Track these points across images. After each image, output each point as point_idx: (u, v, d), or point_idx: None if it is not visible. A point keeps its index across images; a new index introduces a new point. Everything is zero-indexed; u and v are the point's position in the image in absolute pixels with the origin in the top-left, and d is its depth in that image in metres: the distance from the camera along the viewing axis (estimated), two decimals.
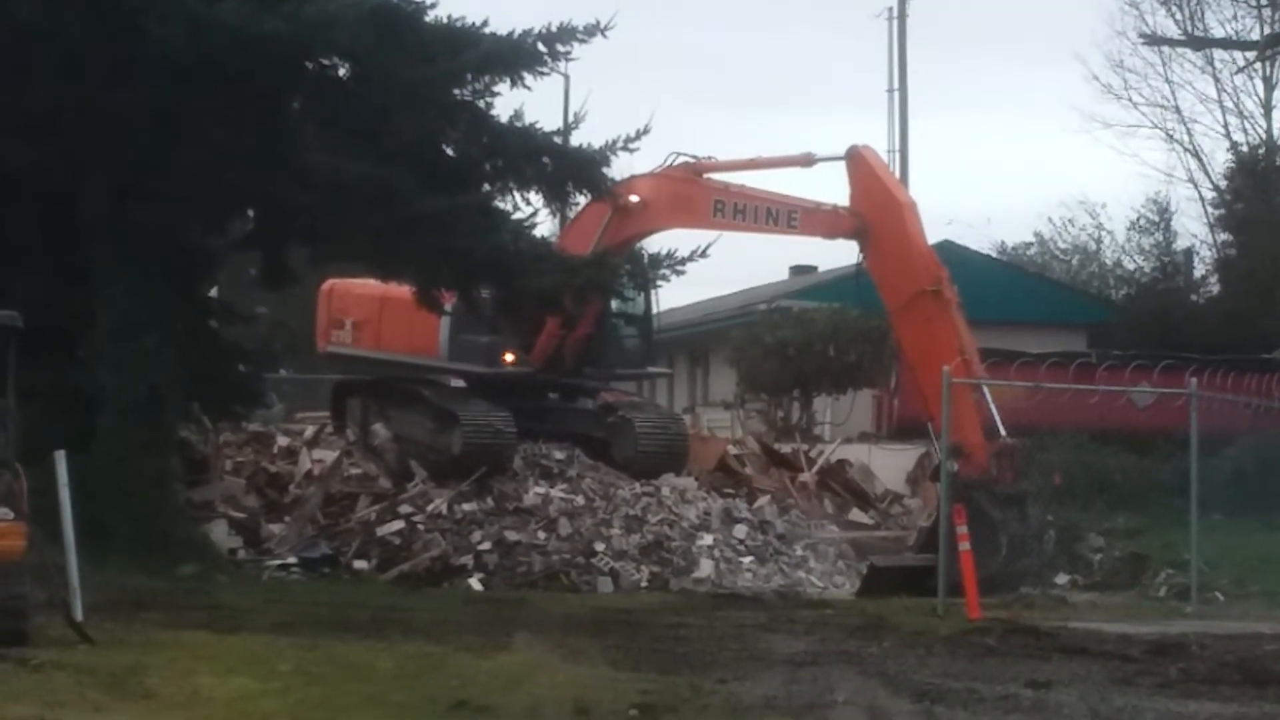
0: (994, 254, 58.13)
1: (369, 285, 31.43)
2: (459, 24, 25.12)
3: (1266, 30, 49.70)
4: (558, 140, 26.49)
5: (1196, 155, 52.42)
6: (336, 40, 23.82)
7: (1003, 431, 25.44)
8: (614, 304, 30.94)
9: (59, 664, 15.01)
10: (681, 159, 28.67)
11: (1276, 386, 36.78)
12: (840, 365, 37.35)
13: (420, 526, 27.63)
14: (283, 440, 31.29)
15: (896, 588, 25.05)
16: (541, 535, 27.53)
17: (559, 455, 30.02)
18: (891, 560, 27.56)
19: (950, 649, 18.44)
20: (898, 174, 50.74)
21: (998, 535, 24.69)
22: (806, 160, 27.83)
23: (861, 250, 26.76)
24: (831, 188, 27.40)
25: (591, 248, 28.34)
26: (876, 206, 26.40)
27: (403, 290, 28.44)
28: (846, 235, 26.88)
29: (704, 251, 27.35)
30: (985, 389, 25.72)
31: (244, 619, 19.58)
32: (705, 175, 28.55)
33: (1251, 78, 51.07)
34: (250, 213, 27.79)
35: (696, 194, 28.33)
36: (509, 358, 30.23)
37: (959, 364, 25.17)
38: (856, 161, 26.67)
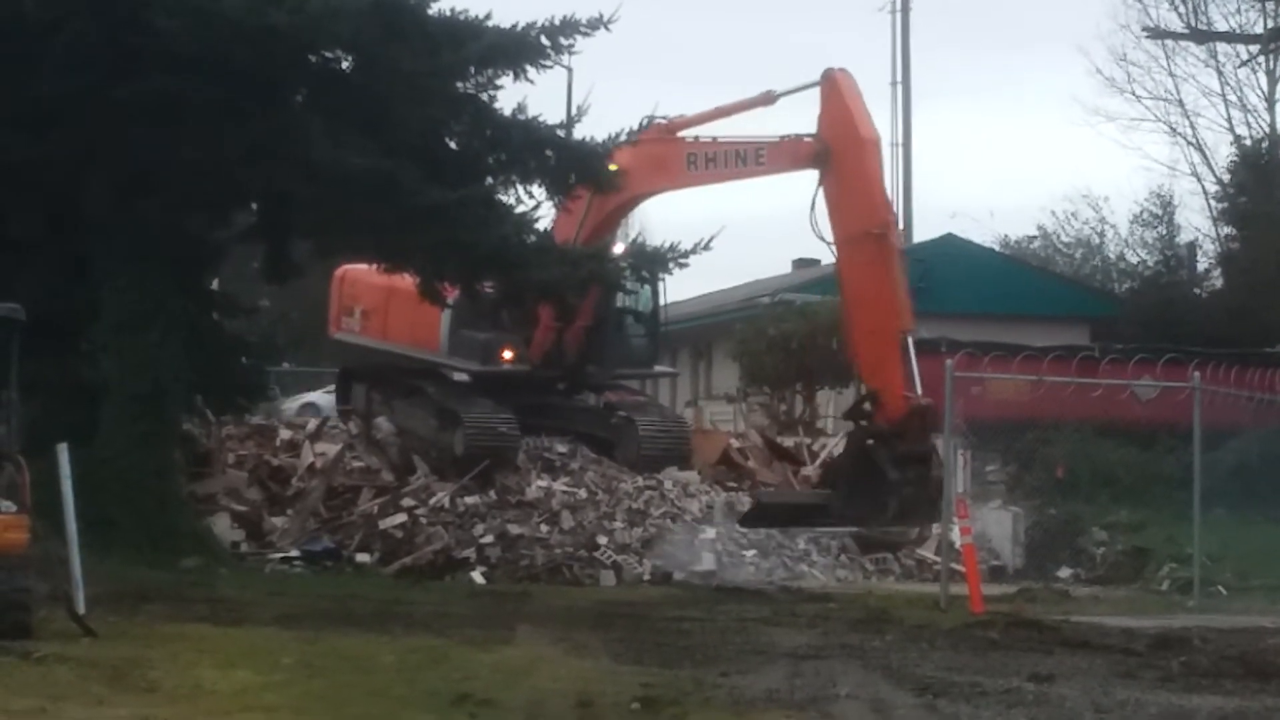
0: (997, 247, 58.11)
1: (379, 274, 31.37)
2: (462, 17, 25.11)
3: (1270, 24, 49.66)
4: (561, 133, 26.47)
5: (1200, 149, 52.42)
6: (340, 33, 23.81)
7: (919, 390, 25.41)
8: (621, 300, 30.94)
9: (61, 657, 15.02)
10: (654, 122, 28.57)
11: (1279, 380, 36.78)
12: (843, 359, 37.26)
13: (423, 520, 27.66)
14: (285, 433, 31.29)
15: (782, 522, 25.40)
16: (544, 528, 27.56)
17: (562, 449, 30.06)
18: (781, 496, 27.52)
19: (953, 642, 18.45)
20: (901, 168, 50.82)
21: (889, 498, 24.59)
22: (768, 99, 27.48)
23: (821, 178, 26.42)
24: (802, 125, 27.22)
25: (577, 228, 28.36)
26: (841, 136, 26.07)
27: (410, 281, 28.44)
28: (809, 163, 26.48)
29: (707, 244, 27.34)
30: (911, 345, 25.56)
31: (246, 612, 19.58)
32: (678, 133, 28.48)
33: (1255, 71, 51.08)
34: (253, 205, 27.76)
35: (669, 151, 28.18)
36: (507, 355, 30.23)
37: (893, 313, 25.17)
38: (830, 86, 26.22)
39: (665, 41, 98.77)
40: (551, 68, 25.82)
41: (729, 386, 43.45)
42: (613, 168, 27.88)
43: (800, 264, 53.99)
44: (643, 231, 30.89)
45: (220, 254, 28.75)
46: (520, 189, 26.41)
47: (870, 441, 24.75)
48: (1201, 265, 50.95)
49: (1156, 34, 51.49)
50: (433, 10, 24.83)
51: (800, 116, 26.84)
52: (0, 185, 24.67)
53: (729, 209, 79.12)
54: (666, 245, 27.83)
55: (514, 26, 25.09)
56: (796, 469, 32.29)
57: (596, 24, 25.12)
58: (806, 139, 26.30)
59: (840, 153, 25.77)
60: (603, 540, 27.37)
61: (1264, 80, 50.93)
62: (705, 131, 27.97)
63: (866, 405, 25.21)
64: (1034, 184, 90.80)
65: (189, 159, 24.08)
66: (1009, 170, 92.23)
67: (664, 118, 28.19)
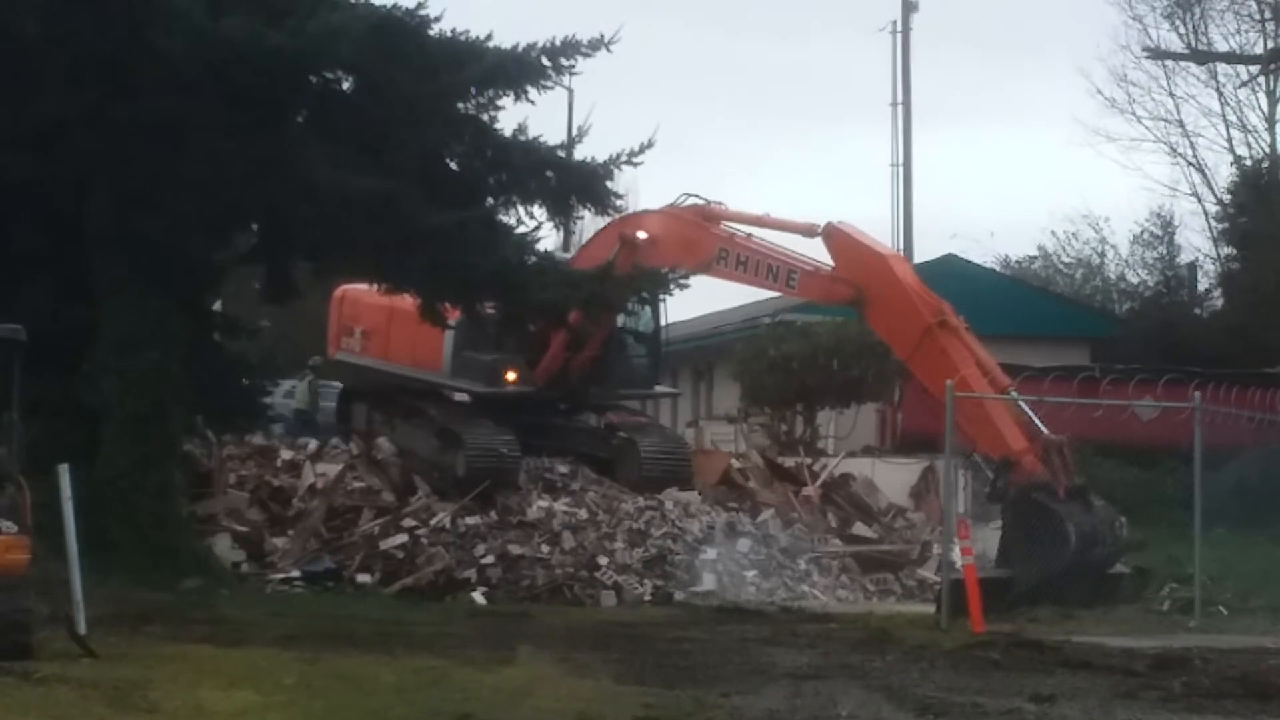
0: (997, 268, 58.06)
1: (379, 294, 31.38)
2: (463, 38, 25.17)
3: (1270, 44, 49.71)
4: (561, 154, 26.53)
5: (1200, 169, 52.43)
6: (340, 54, 23.85)
7: (1044, 430, 25.51)
8: (622, 321, 30.98)
9: (62, 678, 15.00)
10: (692, 200, 29.00)
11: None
12: (844, 379, 37.34)
13: (423, 540, 27.65)
14: (286, 454, 31.27)
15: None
16: (545, 549, 27.55)
17: (563, 469, 30.07)
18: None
19: (954, 663, 18.42)
20: (901, 189, 50.95)
21: (1065, 525, 24.61)
22: (810, 231, 28.12)
23: (860, 315, 27.22)
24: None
25: None
26: (864, 270, 26.87)
27: (410, 302, 28.46)
28: (842, 302, 27.39)
29: (707, 265, 27.43)
30: (1014, 395, 25.86)
31: (247, 632, 19.58)
32: (714, 220, 28.91)
33: (1255, 92, 51.09)
34: (254, 226, 27.81)
35: (704, 239, 28.65)
36: (511, 376, 30.26)
37: (985, 384, 25.43)
38: (834, 239, 27.31)
39: (666, 61, 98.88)
40: (552, 88, 25.95)
41: (730, 407, 43.39)
42: (642, 235, 28.29)
43: None
44: None
45: (221, 274, 28.76)
46: (521, 210, 26.53)
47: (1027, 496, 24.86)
48: (1202, 285, 50.98)
49: (1157, 55, 51.54)
50: (433, 31, 24.88)
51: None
52: (1, 204, 24.71)
53: None
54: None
55: (515, 47, 25.15)
56: (797, 489, 32.28)
57: (597, 45, 25.18)
58: (840, 277, 26.73)
59: (870, 284, 26.50)
60: (604, 561, 27.37)
61: (1264, 101, 50.98)
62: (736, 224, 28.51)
63: (1000, 481, 25.37)
64: (1034, 204, 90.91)
65: (190, 179, 24.10)
66: (1009, 191, 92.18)
67: (703, 199, 28.67)
